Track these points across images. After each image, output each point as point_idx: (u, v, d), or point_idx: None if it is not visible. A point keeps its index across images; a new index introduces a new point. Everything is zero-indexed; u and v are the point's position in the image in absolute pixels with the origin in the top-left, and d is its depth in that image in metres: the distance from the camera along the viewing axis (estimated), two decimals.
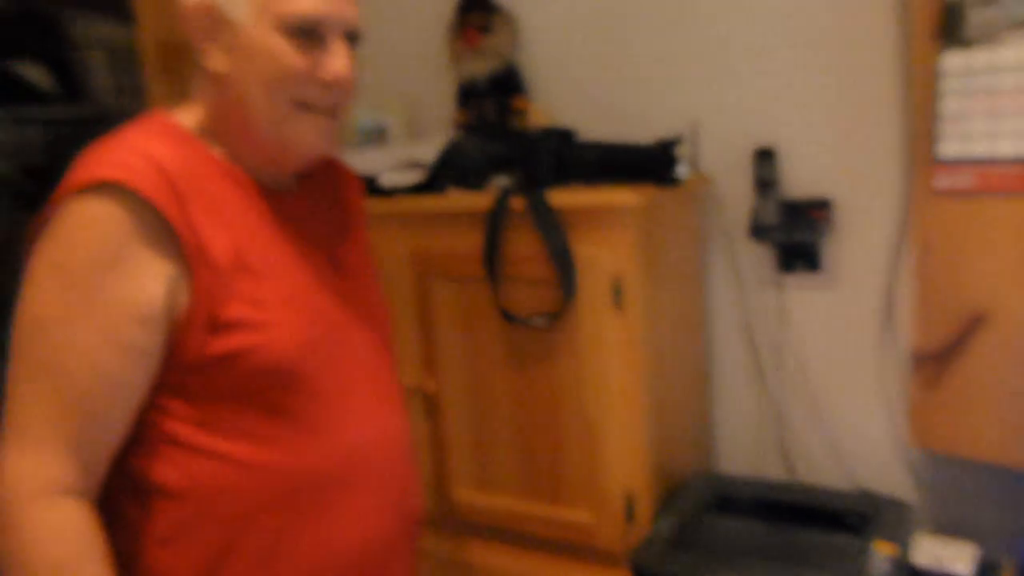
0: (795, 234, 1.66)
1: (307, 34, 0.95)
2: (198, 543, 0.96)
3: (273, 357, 0.95)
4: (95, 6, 2.50)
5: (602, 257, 1.45)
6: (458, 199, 1.60)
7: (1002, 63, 1.34)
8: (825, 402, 1.73)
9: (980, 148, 1.38)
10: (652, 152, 1.56)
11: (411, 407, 1.63)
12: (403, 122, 2.02)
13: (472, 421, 1.64)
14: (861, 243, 1.65)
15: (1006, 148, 1.35)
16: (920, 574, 1.41)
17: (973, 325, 1.42)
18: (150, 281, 0.90)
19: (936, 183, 1.43)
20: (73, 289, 0.89)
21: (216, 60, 0.97)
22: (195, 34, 0.98)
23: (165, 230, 0.91)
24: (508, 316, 1.53)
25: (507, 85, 1.86)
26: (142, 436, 0.96)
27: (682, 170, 1.58)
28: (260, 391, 0.96)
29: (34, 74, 2.41)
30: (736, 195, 1.74)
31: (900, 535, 1.42)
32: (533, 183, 1.53)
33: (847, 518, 1.49)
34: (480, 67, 1.86)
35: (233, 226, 0.96)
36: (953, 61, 1.38)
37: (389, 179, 1.70)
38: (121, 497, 0.97)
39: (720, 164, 1.74)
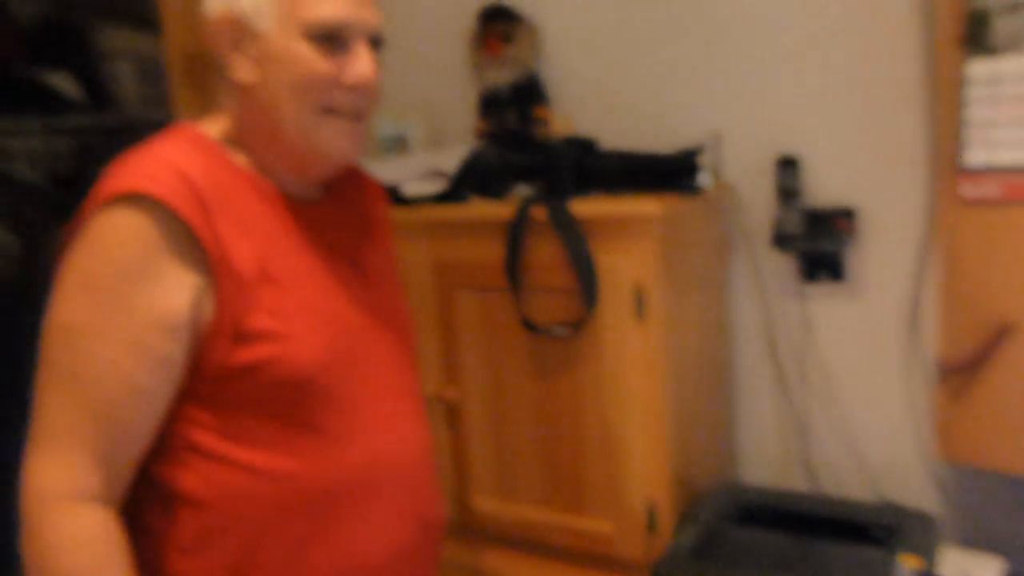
0: (818, 243, 1.65)
1: (331, 40, 0.97)
2: (221, 552, 0.97)
3: (295, 368, 0.96)
4: (122, 17, 2.53)
5: (624, 266, 1.45)
6: (480, 208, 1.61)
7: None
8: (849, 413, 1.72)
9: (1006, 157, 1.37)
10: (674, 161, 1.56)
11: (432, 416, 1.63)
12: (424, 131, 2.03)
13: (493, 430, 1.64)
14: (885, 252, 1.64)
15: None
16: None
17: (1000, 336, 1.41)
18: (176, 291, 0.91)
19: (962, 192, 1.42)
20: (101, 299, 0.90)
21: (242, 70, 0.99)
22: (221, 46, 0.99)
23: (191, 241, 0.92)
24: (530, 325, 1.53)
25: (529, 94, 1.86)
26: (166, 445, 0.97)
27: (704, 179, 1.57)
28: (282, 402, 0.97)
29: (62, 83, 2.45)
30: (758, 204, 1.73)
31: (926, 548, 1.40)
32: (555, 192, 1.53)
33: (872, 531, 1.47)
34: (502, 76, 1.87)
35: (258, 237, 0.97)
36: (979, 69, 1.37)
37: (411, 188, 1.70)
38: (145, 506, 0.98)
39: (742, 173, 1.73)
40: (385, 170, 1.72)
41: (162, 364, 0.92)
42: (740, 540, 1.51)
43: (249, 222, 0.97)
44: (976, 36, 1.38)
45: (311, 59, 0.96)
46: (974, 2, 1.37)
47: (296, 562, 0.99)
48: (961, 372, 1.46)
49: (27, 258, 2.16)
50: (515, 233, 1.51)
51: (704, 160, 1.57)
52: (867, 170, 1.63)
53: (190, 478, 0.96)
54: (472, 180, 1.66)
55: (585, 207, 1.47)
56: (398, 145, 2.01)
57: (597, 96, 1.86)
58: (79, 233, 0.93)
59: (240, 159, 1.02)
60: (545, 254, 1.50)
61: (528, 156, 1.64)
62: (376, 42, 1.02)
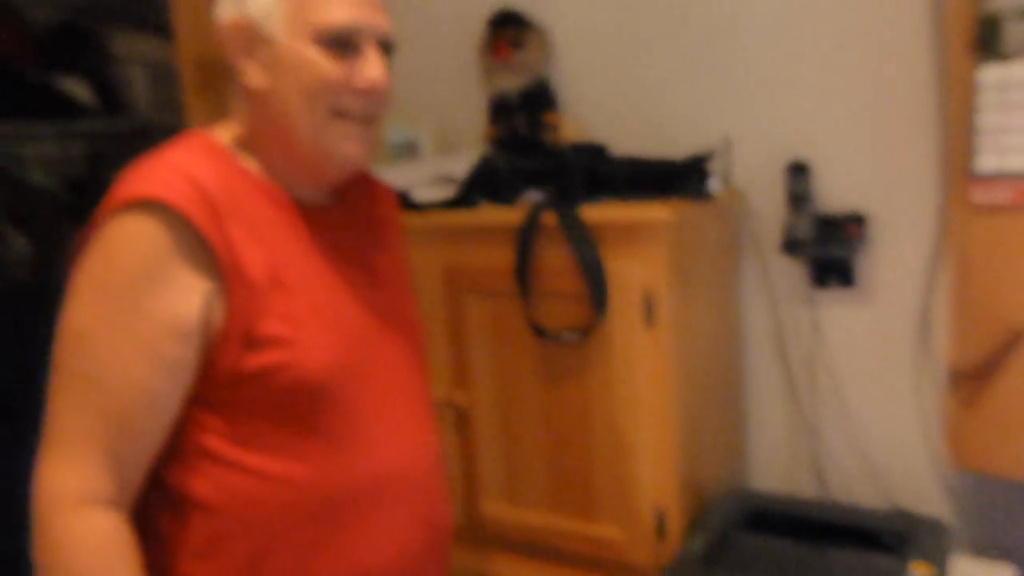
0: (829, 249, 1.65)
1: (342, 44, 0.97)
2: (231, 557, 0.97)
3: (305, 374, 0.96)
4: (135, 22, 2.55)
5: (634, 272, 1.45)
6: (490, 214, 1.61)
7: None
8: (859, 419, 1.71)
9: (1018, 162, 1.36)
10: (684, 167, 1.56)
11: (441, 420, 1.63)
12: (434, 137, 2.04)
13: (502, 435, 1.64)
14: (896, 258, 1.63)
15: None
16: None
17: (1012, 341, 1.40)
18: (187, 297, 0.92)
19: (973, 198, 1.41)
20: (113, 304, 0.91)
21: (254, 76, 0.99)
22: (233, 52, 1.00)
23: (203, 247, 0.93)
24: (539, 331, 1.53)
25: (539, 100, 1.86)
26: (177, 449, 0.97)
27: (714, 184, 1.57)
28: (293, 407, 0.97)
29: (76, 89, 2.47)
30: (769, 209, 1.73)
31: (937, 556, 1.39)
32: (565, 198, 1.53)
33: (883, 538, 1.47)
34: (512, 82, 1.87)
35: (269, 242, 0.98)
36: (990, 74, 1.37)
37: (421, 194, 1.71)
38: (155, 510, 0.99)
39: (752, 178, 1.73)
40: (395, 176, 1.73)
41: (173, 369, 0.93)
42: (750, 546, 1.51)
43: (260, 227, 0.98)
44: (988, 42, 1.38)
45: (321, 64, 0.97)
46: (986, 8, 1.37)
47: (305, 568, 0.99)
48: (973, 378, 1.45)
49: (40, 262, 2.17)
50: (525, 238, 1.51)
51: (714, 165, 1.57)
52: (878, 175, 1.63)
53: (200, 483, 0.97)
54: (482, 186, 1.66)
55: (595, 213, 1.47)
56: (408, 151, 2.01)
57: (607, 101, 1.87)
58: (92, 239, 0.93)
59: (252, 164, 1.03)
60: (555, 259, 1.50)
61: (538, 162, 1.64)
62: (386, 47, 1.03)
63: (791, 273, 1.73)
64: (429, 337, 1.64)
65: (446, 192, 1.70)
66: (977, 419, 1.46)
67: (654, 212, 1.43)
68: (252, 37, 0.98)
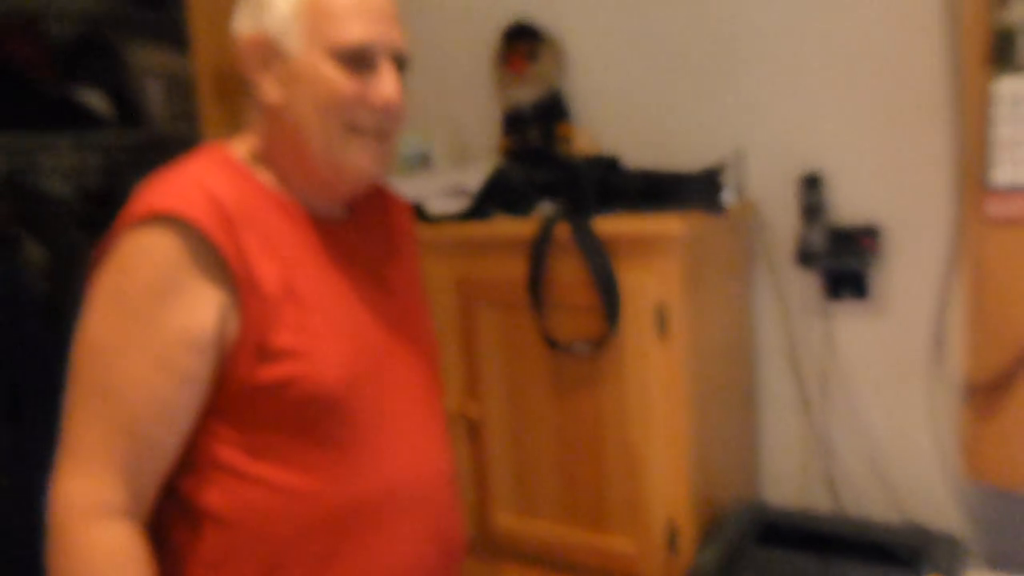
0: (843, 261, 1.64)
1: (357, 61, 0.98)
2: (243, 569, 0.98)
3: (318, 386, 0.97)
4: (152, 34, 2.57)
5: (647, 284, 1.45)
6: (503, 226, 1.62)
7: None
8: (873, 432, 1.70)
9: None
10: (697, 179, 1.56)
11: (453, 432, 1.64)
12: (448, 148, 2.05)
13: (514, 447, 1.64)
14: (910, 270, 1.63)
15: None
16: None
17: None
18: (202, 309, 0.93)
19: (988, 210, 1.41)
20: (129, 317, 0.92)
21: (271, 91, 1.00)
22: (250, 67, 1.01)
23: (218, 261, 0.94)
24: (552, 343, 1.53)
25: (552, 112, 1.87)
26: (191, 460, 0.98)
27: (727, 197, 1.57)
28: (305, 419, 0.98)
29: (93, 99, 2.49)
30: (782, 221, 1.73)
31: (951, 571, 1.38)
32: (578, 210, 1.53)
33: (896, 552, 1.46)
34: (526, 94, 1.88)
35: (284, 255, 0.99)
36: (1006, 87, 1.36)
37: (435, 206, 1.71)
38: (169, 521, 0.99)
39: (766, 190, 1.73)
40: (409, 187, 1.74)
41: (188, 381, 0.94)
42: (762, 561, 1.50)
43: (275, 240, 0.99)
44: (1003, 54, 1.37)
45: (337, 80, 0.98)
46: (1001, 20, 1.36)
47: None
48: (987, 391, 1.44)
49: (56, 271, 2.19)
50: (538, 250, 1.51)
51: (727, 178, 1.57)
52: (892, 187, 1.62)
53: (213, 494, 0.97)
54: (496, 197, 1.67)
55: (608, 225, 1.47)
56: (422, 162, 2.02)
57: (620, 114, 1.87)
58: (110, 252, 0.94)
59: (267, 178, 1.04)
60: (568, 272, 1.50)
61: (551, 174, 1.64)
62: (401, 62, 1.04)
63: (804, 285, 1.73)
64: (442, 348, 1.64)
65: (459, 204, 1.71)
66: (992, 432, 1.45)
67: (667, 225, 1.44)
68: (269, 52, 0.99)
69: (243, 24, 1.02)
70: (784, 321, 1.76)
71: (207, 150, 1.05)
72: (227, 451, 0.97)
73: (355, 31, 0.97)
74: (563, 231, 1.50)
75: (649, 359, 1.46)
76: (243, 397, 0.95)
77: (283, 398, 0.96)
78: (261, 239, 0.97)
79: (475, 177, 1.73)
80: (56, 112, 2.37)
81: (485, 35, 1.99)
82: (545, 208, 1.62)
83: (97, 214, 2.33)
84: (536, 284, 1.52)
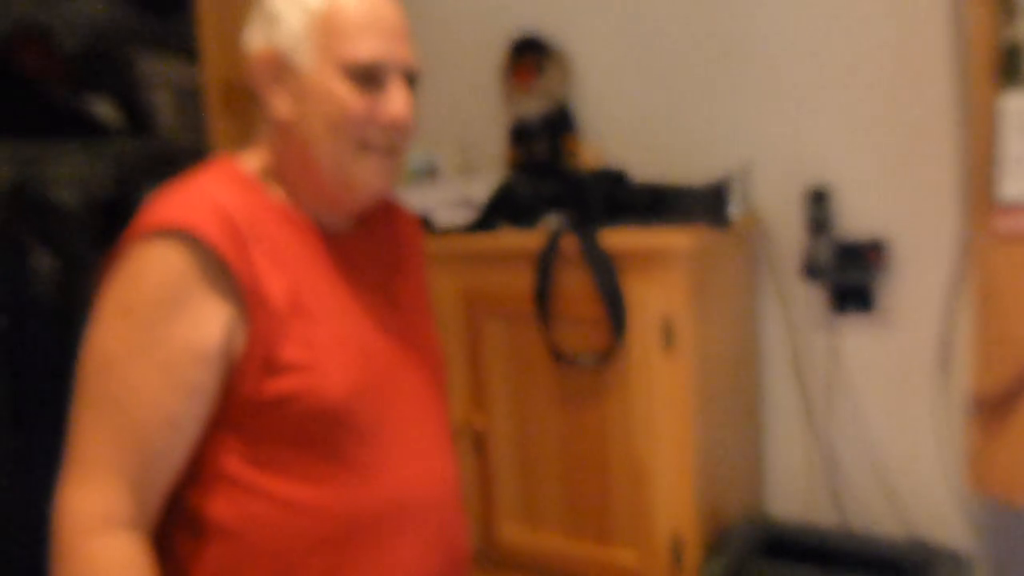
0: (849, 275, 1.64)
1: (368, 78, 0.99)
2: None
3: (324, 400, 0.97)
4: (162, 45, 2.59)
5: (653, 297, 1.45)
6: (510, 238, 1.62)
7: None
8: (879, 446, 1.70)
9: None
10: (703, 193, 1.56)
11: (459, 443, 1.64)
12: (455, 160, 2.05)
13: (519, 459, 1.64)
14: (917, 285, 1.63)
15: None
16: None
17: None
18: (210, 323, 0.93)
19: (996, 226, 1.41)
20: (137, 329, 0.92)
21: (281, 107, 1.01)
22: (261, 83, 1.02)
23: (226, 275, 0.94)
24: (558, 355, 1.53)
25: (559, 125, 1.88)
26: (197, 472, 0.98)
27: (734, 211, 1.57)
28: (311, 432, 0.98)
29: (103, 109, 2.50)
30: (788, 235, 1.73)
31: None
32: (585, 223, 1.54)
33: (901, 568, 1.45)
34: (532, 107, 1.89)
35: (291, 269, 0.99)
36: (1013, 102, 1.37)
37: (441, 218, 1.72)
38: (175, 533, 0.99)
39: (772, 204, 1.73)
40: (415, 198, 1.74)
41: (195, 393, 0.94)
42: (768, 574, 1.50)
43: (283, 254, 0.99)
44: (1010, 70, 1.38)
45: (347, 97, 0.98)
46: (1008, 36, 1.37)
47: None
48: (995, 406, 1.44)
49: (67, 282, 2.20)
50: (545, 263, 1.52)
51: (734, 192, 1.57)
52: (899, 202, 1.63)
53: (219, 506, 0.97)
54: (502, 209, 1.67)
55: (615, 238, 1.48)
56: (429, 174, 2.03)
57: (627, 127, 1.87)
58: (118, 264, 0.95)
59: (276, 192, 1.04)
60: (574, 284, 1.50)
61: (558, 186, 1.65)
62: (411, 78, 1.04)
63: (810, 299, 1.73)
64: (448, 360, 1.65)
65: (466, 216, 1.71)
66: (999, 447, 1.44)
67: (673, 238, 1.44)
68: (280, 69, 1.00)
69: (254, 40, 1.02)
70: (790, 334, 1.76)
71: (217, 163, 1.05)
72: (233, 463, 0.97)
73: (366, 48, 0.98)
74: (570, 244, 1.50)
75: (655, 372, 1.47)
76: (249, 410, 0.96)
77: (289, 411, 0.96)
78: (270, 253, 0.97)
79: (482, 189, 1.73)
80: (66, 121, 2.39)
81: (493, 48, 2.00)
82: (552, 221, 1.62)
83: (106, 223, 2.34)
84: (542, 296, 1.52)
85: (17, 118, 2.28)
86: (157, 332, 0.92)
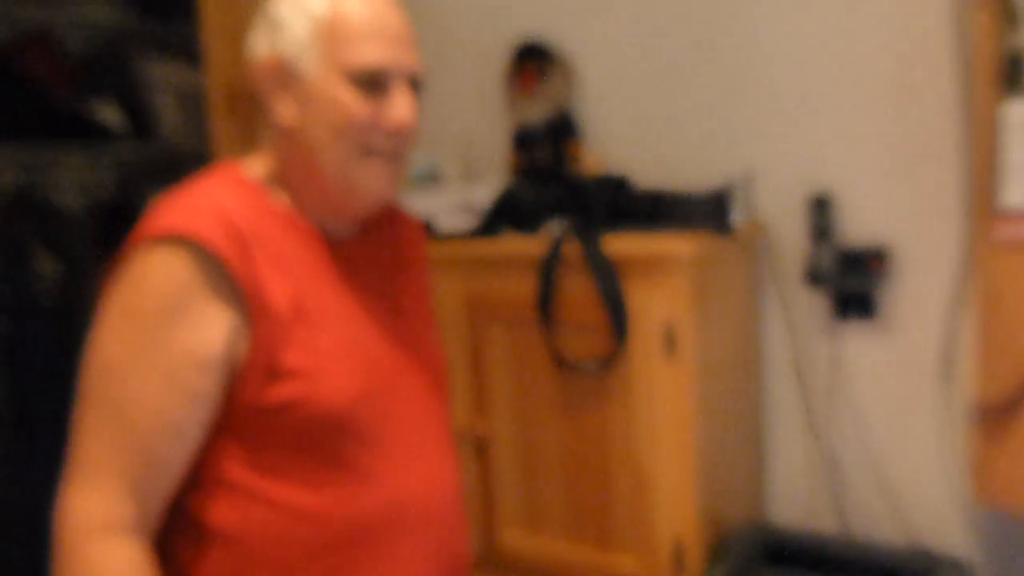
0: (851, 282, 1.64)
1: (372, 84, 0.99)
2: None
3: (326, 406, 0.97)
4: (166, 49, 2.60)
5: (655, 304, 1.45)
6: (512, 244, 1.62)
7: None
8: (881, 453, 1.70)
9: None
10: (706, 200, 1.56)
11: (461, 449, 1.64)
12: (458, 165, 2.06)
13: (521, 464, 1.64)
14: (919, 292, 1.63)
15: None
16: None
17: None
18: (212, 329, 0.93)
19: (998, 234, 1.41)
20: (140, 335, 0.93)
21: (285, 114, 1.01)
22: (265, 89, 1.02)
23: (229, 281, 0.94)
24: (560, 361, 1.53)
25: (562, 131, 1.88)
26: (199, 477, 0.98)
27: (736, 217, 1.58)
28: (313, 438, 0.98)
29: (107, 114, 2.51)
30: (791, 242, 1.73)
31: None
32: (587, 229, 1.54)
33: None
34: (535, 112, 1.89)
35: (294, 275, 0.99)
36: (1016, 111, 1.37)
37: (444, 223, 1.72)
38: (176, 538, 0.99)
39: (775, 211, 1.73)
40: (418, 203, 1.75)
41: (197, 399, 0.94)
42: None
43: (286, 260, 0.99)
44: (1013, 78, 1.38)
45: (351, 103, 0.98)
46: (1011, 44, 1.37)
47: None
48: (998, 413, 1.44)
49: (69, 286, 2.20)
50: (547, 269, 1.52)
51: (736, 198, 1.58)
52: (901, 210, 1.63)
53: (220, 511, 0.97)
54: (505, 215, 1.68)
55: (617, 245, 1.48)
56: (431, 179, 2.03)
57: (630, 133, 1.88)
58: (121, 269, 0.95)
59: (280, 198, 1.04)
60: (576, 290, 1.51)
61: (561, 192, 1.65)
62: (416, 84, 1.04)
63: (812, 305, 1.73)
64: (450, 365, 1.65)
65: (468, 221, 1.71)
66: (1002, 455, 1.44)
67: (676, 245, 1.44)
68: (284, 75, 1.00)
69: (258, 46, 1.03)
70: (792, 341, 1.76)
71: (221, 169, 1.06)
72: (235, 469, 0.97)
73: (371, 54, 0.98)
74: (572, 250, 1.50)
75: (657, 378, 1.47)
76: (252, 416, 0.96)
77: (291, 417, 0.96)
78: (273, 259, 0.98)
79: (484, 195, 1.74)
80: (70, 126, 2.39)
81: (496, 54, 2.00)
82: (554, 227, 1.62)
83: (108, 227, 2.35)
84: (545, 302, 1.53)
85: (20, 122, 2.28)
86: (160, 338, 0.93)
